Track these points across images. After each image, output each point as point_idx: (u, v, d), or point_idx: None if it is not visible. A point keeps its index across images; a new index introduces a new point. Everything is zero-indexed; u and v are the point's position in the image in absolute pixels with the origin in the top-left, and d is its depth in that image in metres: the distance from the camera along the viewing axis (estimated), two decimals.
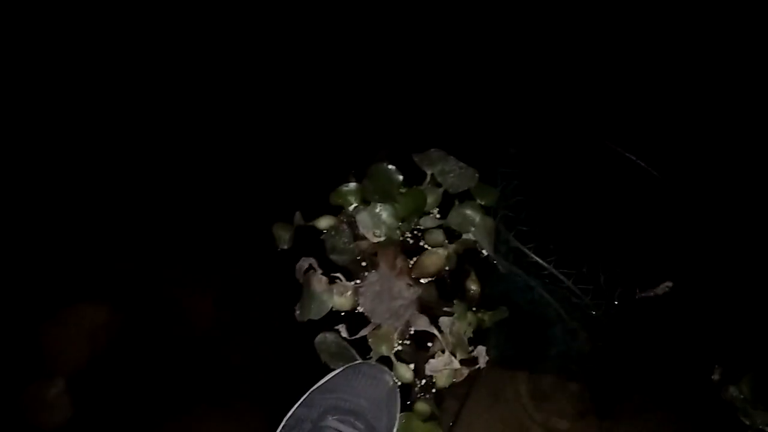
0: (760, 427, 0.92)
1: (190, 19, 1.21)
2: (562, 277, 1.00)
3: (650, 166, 1.07)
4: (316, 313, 0.96)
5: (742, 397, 0.94)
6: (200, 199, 1.06)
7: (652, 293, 0.99)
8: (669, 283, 0.98)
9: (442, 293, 1.01)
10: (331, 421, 0.78)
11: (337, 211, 1.05)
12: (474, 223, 1.04)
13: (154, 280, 0.99)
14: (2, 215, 1.01)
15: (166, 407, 0.90)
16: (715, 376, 0.96)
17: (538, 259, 1.01)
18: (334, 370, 0.89)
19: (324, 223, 1.04)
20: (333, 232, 1.02)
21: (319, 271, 0.98)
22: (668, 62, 1.21)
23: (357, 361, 0.91)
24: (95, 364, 0.92)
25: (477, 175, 1.06)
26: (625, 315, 0.99)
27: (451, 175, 1.06)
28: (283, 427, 0.82)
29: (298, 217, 1.03)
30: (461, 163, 1.07)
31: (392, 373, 0.91)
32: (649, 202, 1.05)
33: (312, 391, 0.85)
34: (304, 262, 0.99)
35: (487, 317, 0.99)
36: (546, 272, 1.01)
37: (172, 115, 1.13)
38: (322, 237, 1.03)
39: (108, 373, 0.91)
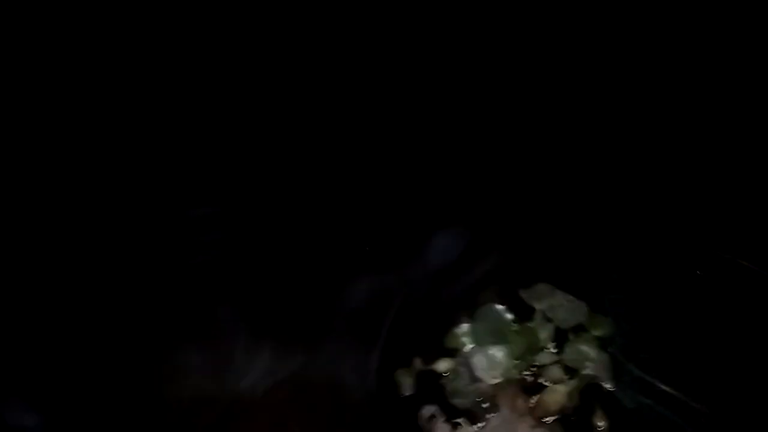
0: None
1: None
2: (696, 404, 0.96)
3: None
4: None
5: None
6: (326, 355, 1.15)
7: None
8: None
9: None
10: None
11: (453, 353, 1.10)
12: (590, 358, 1.03)
13: None
14: None
15: None
16: None
17: (665, 387, 0.98)
18: None
19: (442, 366, 1.08)
20: (452, 376, 1.06)
21: (442, 418, 1.01)
22: None
23: None
24: None
25: (586, 307, 1.07)
26: None
27: (561, 309, 1.08)
28: None
29: (417, 362, 1.09)
30: (569, 296, 1.08)
31: None
32: None
33: None
34: (427, 411, 1.03)
35: None
36: (679, 400, 0.97)
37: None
38: (442, 381, 1.07)
39: None
